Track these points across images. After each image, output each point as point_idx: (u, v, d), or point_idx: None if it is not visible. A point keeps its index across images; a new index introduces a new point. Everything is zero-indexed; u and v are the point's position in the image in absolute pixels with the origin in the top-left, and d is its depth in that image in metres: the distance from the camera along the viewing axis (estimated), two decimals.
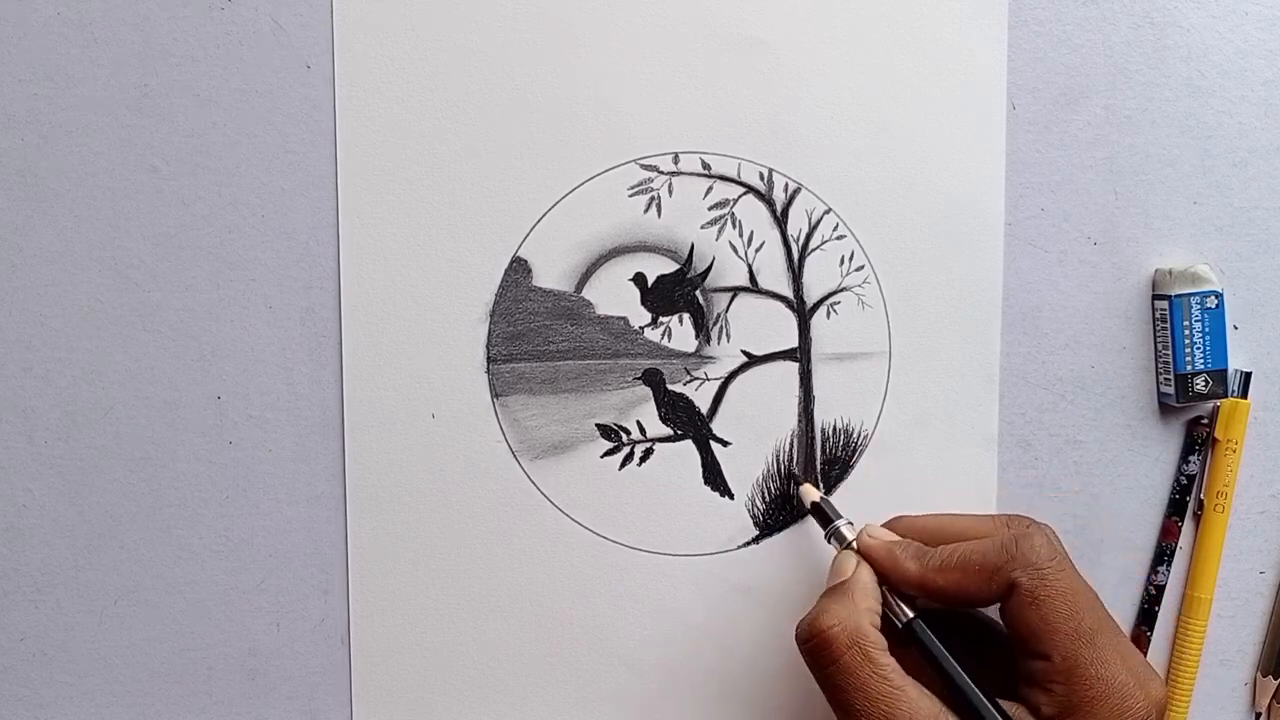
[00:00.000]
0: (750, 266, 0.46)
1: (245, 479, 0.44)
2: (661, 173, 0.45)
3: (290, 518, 0.44)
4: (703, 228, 0.45)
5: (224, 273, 0.43)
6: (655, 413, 0.46)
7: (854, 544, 0.42)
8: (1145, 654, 0.48)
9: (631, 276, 0.45)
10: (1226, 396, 0.48)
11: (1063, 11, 0.46)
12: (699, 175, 0.45)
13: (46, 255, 0.42)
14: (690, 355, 0.46)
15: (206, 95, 0.42)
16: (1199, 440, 0.48)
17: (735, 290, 0.46)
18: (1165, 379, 0.48)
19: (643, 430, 0.46)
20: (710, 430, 0.46)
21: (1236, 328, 0.49)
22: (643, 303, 0.45)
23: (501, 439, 0.45)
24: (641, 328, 0.45)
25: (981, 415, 0.47)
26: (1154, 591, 0.49)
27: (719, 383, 0.46)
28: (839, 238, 0.46)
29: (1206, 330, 0.47)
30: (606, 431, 0.45)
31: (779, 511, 0.46)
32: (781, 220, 0.46)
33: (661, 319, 0.46)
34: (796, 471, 0.46)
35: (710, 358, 0.46)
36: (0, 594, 0.43)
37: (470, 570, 0.45)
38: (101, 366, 0.43)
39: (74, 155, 0.42)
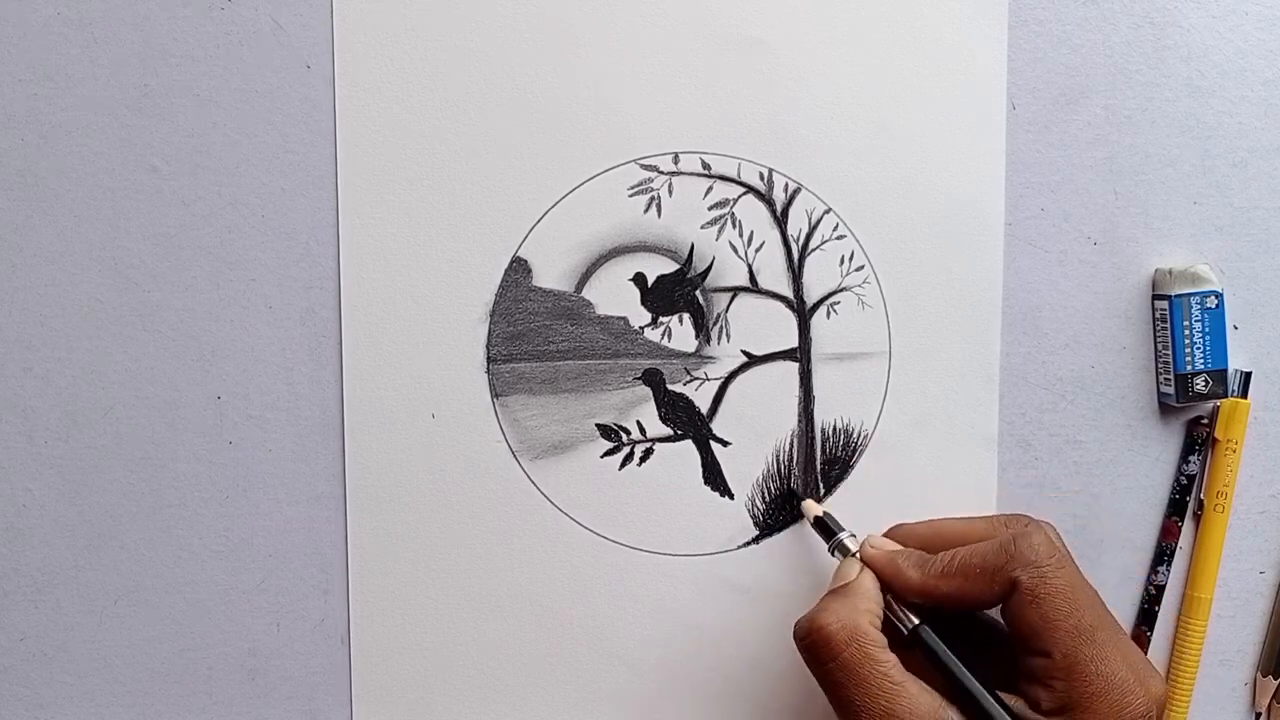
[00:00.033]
0: (750, 266, 0.46)
1: (245, 479, 0.44)
2: (661, 173, 0.45)
3: (290, 518, 0.44)
4: (703, 228, 0.45)
5: (224, 273, 0.43)
6: (655, 413, 0.46)
7: (857, 555, 0.42)
8: (1145, 654, 0.48)
9: (631, 276, 0.45)
10: (1226, 396, 0.48)
11: (1063, 11, 0.46)
12: (699, 175, 0.45)
13: (46, 255, 0.42)
14: (690, 355, 0.46)
15: (206, 95, 0.42)
16: (1199, 440, 0.48)
17: (735, 290, 0.46)
18: (1165, 379, 0.48)
19: (643, 430, 0.46)
20: (710, 430, 0.46)
21: (1236, 328, 0.49)
22: (643, 303, 0.45)
23: (501, 439, 0.45)
24: (641, 328, 0.45)
25: (981, 415, 0.47)
26: (1154, 591, 0.49)
27: (719, 383, 0.46)
28: (839, 238, 0.46)
29: (1206, 330, 0.47)
30: (606, 431, 0.45)
31: (779, 511, 0.46)
32: (781, 220, 0.46)
33: (661, 319, 0.46)
34: (795, 487, 0.46)
35: (710, 358, 0.46)
36: (0, 594, 0.43)
37: (470, 570, 0.45)
38: (101, 366, 0.43)
39: (74, 155, 0.42)
